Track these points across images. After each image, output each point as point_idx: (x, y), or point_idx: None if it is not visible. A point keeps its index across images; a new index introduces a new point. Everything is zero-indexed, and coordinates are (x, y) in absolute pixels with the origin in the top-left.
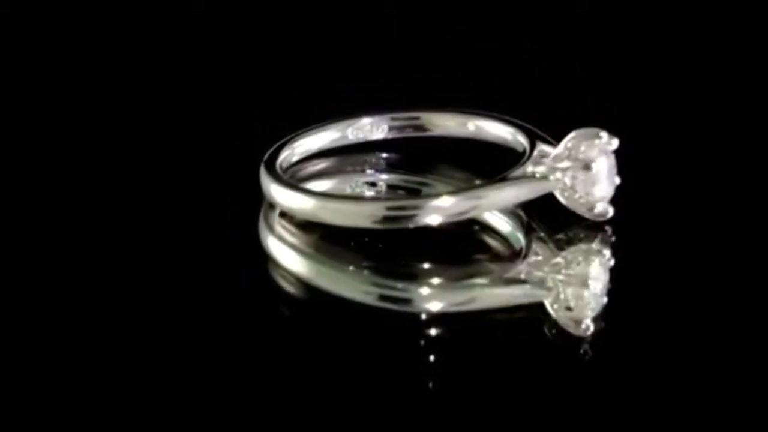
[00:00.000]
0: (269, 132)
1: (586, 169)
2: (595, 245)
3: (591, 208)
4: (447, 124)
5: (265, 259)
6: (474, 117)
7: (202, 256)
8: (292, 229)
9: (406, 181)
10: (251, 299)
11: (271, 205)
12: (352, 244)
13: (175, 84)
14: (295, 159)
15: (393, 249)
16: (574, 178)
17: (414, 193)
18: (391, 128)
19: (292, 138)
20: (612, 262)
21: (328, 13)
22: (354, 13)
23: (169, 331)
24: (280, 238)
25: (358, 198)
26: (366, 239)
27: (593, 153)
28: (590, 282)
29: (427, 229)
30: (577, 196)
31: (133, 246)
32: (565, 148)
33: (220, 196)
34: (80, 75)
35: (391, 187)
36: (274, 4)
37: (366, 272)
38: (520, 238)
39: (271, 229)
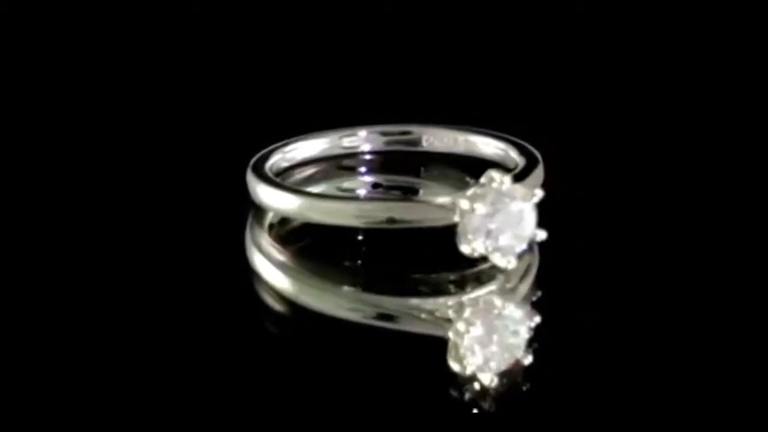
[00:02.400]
0: (260, 142)
1: (472, 211)
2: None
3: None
4: (439, 139)
5: (250, 275)
6: (466, 133)
7: (187, 271)
8: (278, 244)
9: (406, 182)
10: (236, 315)
11: (257, 220)
12: (346, 263)
13: (164, 94)
14: (285, 165)
15: (379, 254)
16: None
17: (414, 194)
18: (383, 142)
19: (281, 145)
20: (523, 326)
21: (329, 24)
22: (354, 25)
23: (150, 345)
24: (266, 254)
25: (342, 198)
26: (360, 238)
27: (480, 197)
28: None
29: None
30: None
31: (116, 257)
32: (476, 185)
33: (207, 210)
34: (71, 78)
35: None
36: (273, 12)
37: (348, 289)
38: None
39: (257, 245)
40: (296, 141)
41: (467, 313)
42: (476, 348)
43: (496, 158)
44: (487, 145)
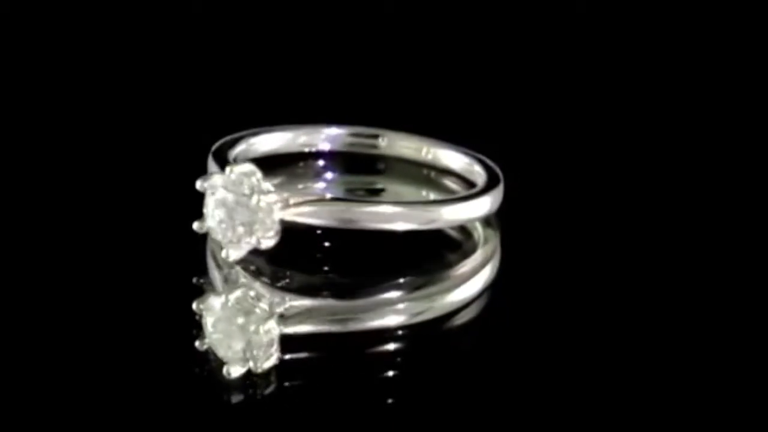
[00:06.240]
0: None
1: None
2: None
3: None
4: (406, 147)
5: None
6: (434, 144)
7: (139, 279)
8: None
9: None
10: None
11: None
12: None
13: (133, 101)
14: (250, 156)
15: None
16: None
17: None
18: (350, 143)
19: (244, 136)
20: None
21: (319, 23)
22: (345, 25)
23: (95, 362)
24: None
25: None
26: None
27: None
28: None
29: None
30: None
31: (65, 254)
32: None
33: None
34: (28, 64)
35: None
36: (261, 11)
37: None
38: (477, 227)
39: (216, 262)
40: (260, 133)
41: (207, 296)
42: (207, 330)
43: (461, 172)
44: (453, 158)
